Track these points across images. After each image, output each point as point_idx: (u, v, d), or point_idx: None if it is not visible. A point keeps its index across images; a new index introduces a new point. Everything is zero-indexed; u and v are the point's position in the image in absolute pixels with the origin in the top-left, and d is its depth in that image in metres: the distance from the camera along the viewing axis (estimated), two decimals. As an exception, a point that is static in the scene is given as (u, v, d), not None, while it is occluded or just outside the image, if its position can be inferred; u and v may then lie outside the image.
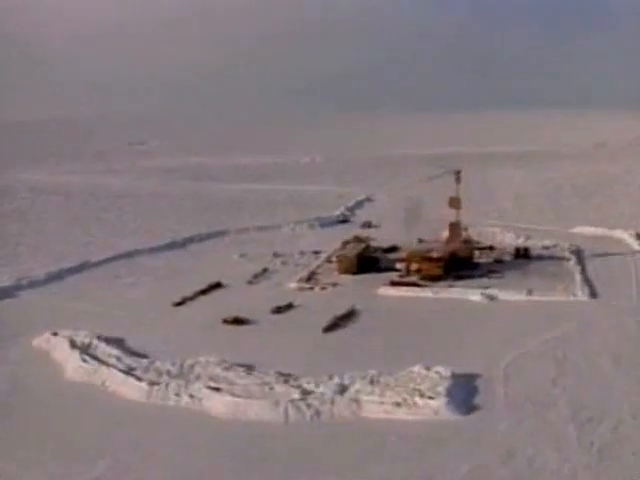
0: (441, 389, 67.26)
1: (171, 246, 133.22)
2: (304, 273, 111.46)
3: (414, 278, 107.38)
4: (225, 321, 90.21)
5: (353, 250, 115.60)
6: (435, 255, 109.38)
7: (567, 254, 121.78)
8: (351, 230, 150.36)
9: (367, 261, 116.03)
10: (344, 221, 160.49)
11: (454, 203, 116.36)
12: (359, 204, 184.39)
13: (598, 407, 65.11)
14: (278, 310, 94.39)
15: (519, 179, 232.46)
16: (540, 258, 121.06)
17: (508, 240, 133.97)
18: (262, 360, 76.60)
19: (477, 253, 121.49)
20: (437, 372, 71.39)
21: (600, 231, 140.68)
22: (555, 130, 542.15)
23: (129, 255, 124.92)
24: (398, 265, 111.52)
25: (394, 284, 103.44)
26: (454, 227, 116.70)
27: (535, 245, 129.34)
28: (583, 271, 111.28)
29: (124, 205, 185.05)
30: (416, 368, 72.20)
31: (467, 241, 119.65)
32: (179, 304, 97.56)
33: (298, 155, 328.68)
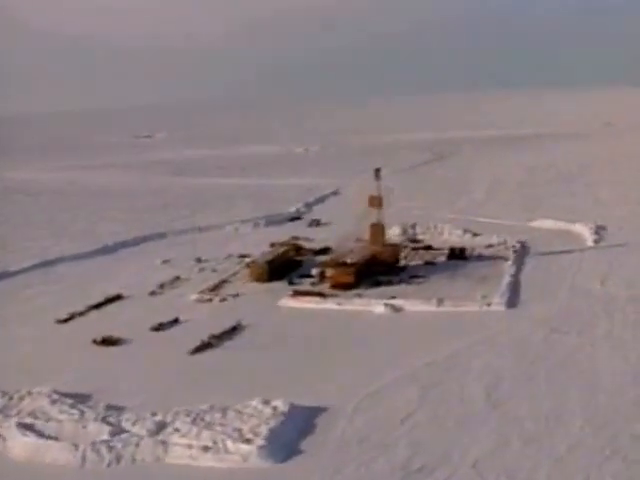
0: (264, 429, 59.10)
1: (102, 251, 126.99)
2: (212, 282, 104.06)
3: (325, 286, 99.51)
4: (94, 342, 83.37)
5: (267, 256, 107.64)
6: (349, 261, 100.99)
7: (509, 253, 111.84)
8: (298, 228, 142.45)
9: (285, 266, 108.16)
10: (296, 218, 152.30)
11: (374, 202, 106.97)
12: (322, 199, 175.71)
13: (439, 452, 55.79)
14: (158, 327, 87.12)
15: (508, 164, 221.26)
16: (478, 258, 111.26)
17: (454, 238, 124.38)
18: (104, 388, 68.99)
19: (407, 255, 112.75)
20: (274, 407, 63.24)
21: (559, 225, 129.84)
22: (559, 109, 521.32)
23: (51, 263, 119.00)
24: (313, 271, 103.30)
25: (297, 294, 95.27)
26: (376, 228, 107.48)
27: (480, 243, 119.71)
28: (516, 274, 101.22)
29: (85, 204, 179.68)
30: (254, 402, 64.22)
31: (394, 244, 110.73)
32: (64, 321, 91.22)
33: (295, 144, 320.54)
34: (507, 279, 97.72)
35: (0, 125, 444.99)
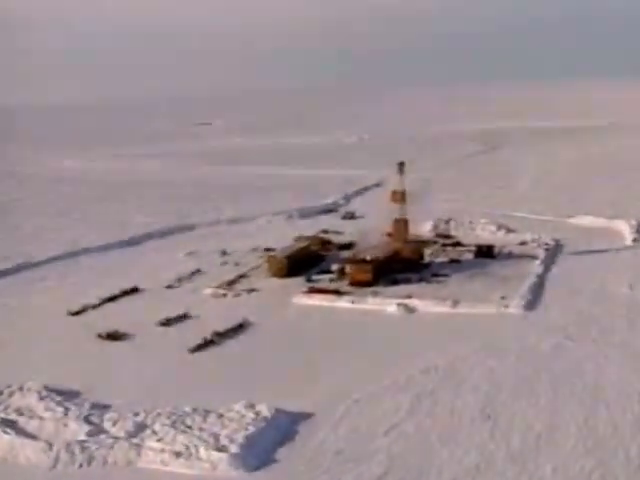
0: (241, 436, 57.21)
1: (129, 242, 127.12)
2: (231, 276, 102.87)
3: (344, 282, 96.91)
4: (99, 336, 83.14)
5: (287, 251, 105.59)
6: (368, 258, 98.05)
7: (540, 252, 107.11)
8: (332, 221, 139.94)
9: (306, 261, 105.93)
10: (331, 211, 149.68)
11: (397, 197, 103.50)
12: (363, 190, 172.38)
13: (415, 469, 51.80)
14: (166, 323, 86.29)
15: (558, 155, 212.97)
16: (506, 256, 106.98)
17: (487, 234, 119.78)
18: (96, 385, 68.19)
19: (434, 251, 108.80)
20: (257, 412, 61.41)
21: (599, 221, 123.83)
22: (614, 100, 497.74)
23: (76, 254, 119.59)
24: (333, 267, 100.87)
25: (312, 291, 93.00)
26: (399, 224, 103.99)
27: (512, 240, 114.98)
28: (543, 274, 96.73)
29: (125, 195, 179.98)
30: (238, 405, 62.50)
31: (417, 241, 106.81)
32: (76, 313, 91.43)
33: (352, 133, 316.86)
34: (532, 279, 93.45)
35: (61, 113, 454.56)
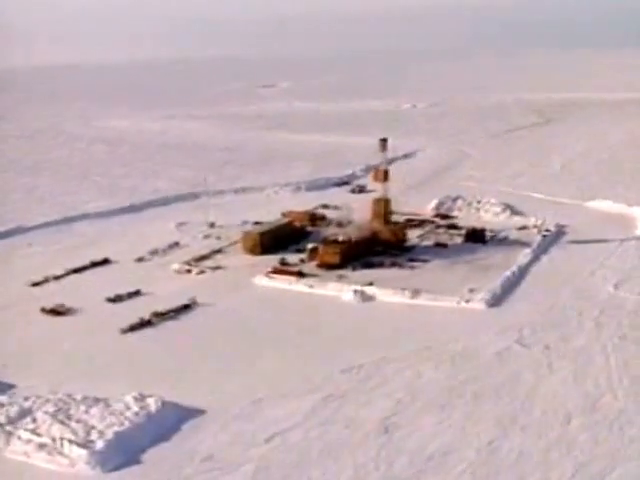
0: (111, 432, 54.08)
1: (128, 209, 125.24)
2: (206, 251, 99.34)
3: (313, 264, 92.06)
4: (42, 310, 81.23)
5: (263, 227, 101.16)
6: (340, 239, 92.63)
7: (536, 239, 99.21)
8: (339, 195, 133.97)
9: (285, 238, 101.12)
10: (344, 183, 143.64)
11: (379, 175, 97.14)
12: (388, 162, 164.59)
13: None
14: (115, 299, 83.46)
15: (609, 132, 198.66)
16: (498, 242, 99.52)
17: (490, 216, 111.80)
18: (15, 362, 66.28)
19: (425, 233, 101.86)
20: (144, 405, 57.95)
21: (616, 207, 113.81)
22: None
23: (71, 220, 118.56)
24: (308, 246, 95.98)
25: (274, 272, 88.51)
26: (378, 204, 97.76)
27: (514, 224, 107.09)
28: (528, 264, 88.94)
29: (152, 158, 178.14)
30: (128, 396, 59.35)
31: (398, 222, 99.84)
32: (37, 284, 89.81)
33: (408, 100, 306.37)
34: (511, 271, 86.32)
35: (123, 71, 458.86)
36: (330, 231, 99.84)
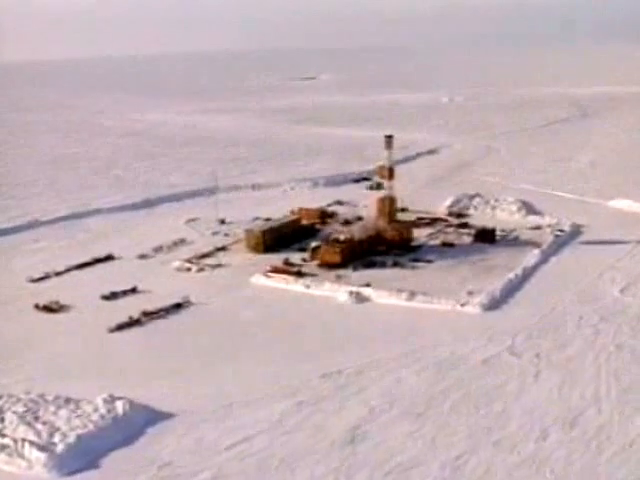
0: (74, 435, 53.22)
1: (141, 205, 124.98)
2: (210, 249, 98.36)
3: (313, 264, 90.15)
4: (36, 307, 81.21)
5: (267, 225, 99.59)
6: (342, 238, 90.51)
7: (547, 239, 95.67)
8: (356, 191, 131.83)
9: (291, 236, 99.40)
10: (364, 179, 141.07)
11: (384, 172, 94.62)
12: (412, 157, 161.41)
13: None
14: (109, 297, 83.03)
15: (638, 130, 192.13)
16: (507, 242, 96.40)
17: (505, 215, 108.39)
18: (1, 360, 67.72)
19: (435, 232, 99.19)
20: (112, 408, 56.80)
21: (637, 207, 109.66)
22: None
23: (82, 215, 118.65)
24: (313, 244, 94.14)
25: (273, 271, 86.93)
26: (382, 203, 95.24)
27: (528, 224, 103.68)
28: (534, 266, 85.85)
29: (174, 152, 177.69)
30: (98, 399, 58.33)
31: (403, 221, 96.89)
32: (36, 280, 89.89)
33: (448, 93, 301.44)
34: (515, 273, 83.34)
35: (159, 64, 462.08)
36: (333, 229, 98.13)
